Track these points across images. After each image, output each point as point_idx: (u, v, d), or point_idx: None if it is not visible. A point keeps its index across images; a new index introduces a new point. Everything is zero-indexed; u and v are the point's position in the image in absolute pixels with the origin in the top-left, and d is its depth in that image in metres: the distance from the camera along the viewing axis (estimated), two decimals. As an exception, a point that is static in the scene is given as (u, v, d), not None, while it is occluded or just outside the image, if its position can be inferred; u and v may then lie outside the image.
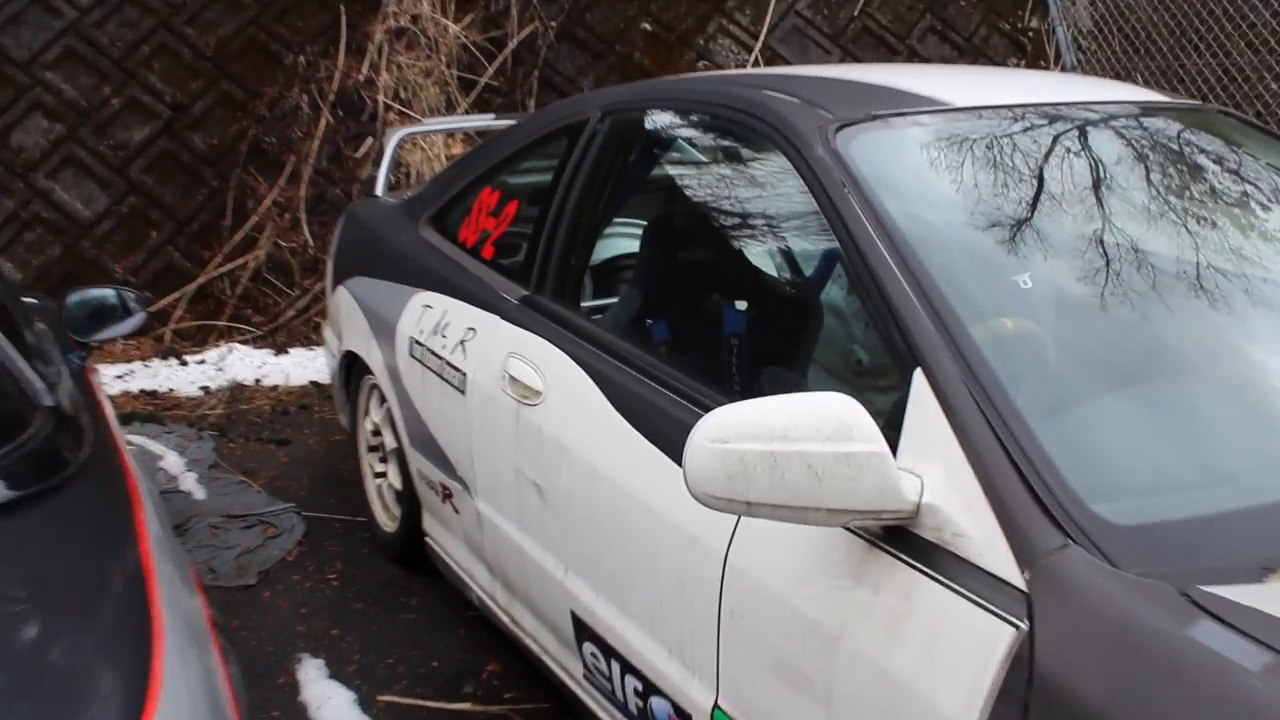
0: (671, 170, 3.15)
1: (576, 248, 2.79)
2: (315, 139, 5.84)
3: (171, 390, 5.24)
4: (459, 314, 2.98)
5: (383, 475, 3.77)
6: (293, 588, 3.60)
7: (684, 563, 2.10)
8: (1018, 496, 1.61)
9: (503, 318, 2.80)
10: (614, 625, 2.33)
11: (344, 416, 4.03)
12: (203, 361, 5.43)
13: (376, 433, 3.78)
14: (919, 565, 1.67)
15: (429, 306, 3.12)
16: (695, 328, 3.06)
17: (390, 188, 4.21)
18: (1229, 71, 5.65)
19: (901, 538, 1.71)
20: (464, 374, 2.87)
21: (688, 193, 3.14)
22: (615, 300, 3.12)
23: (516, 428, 2.63)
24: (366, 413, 3.82)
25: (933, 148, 2.28)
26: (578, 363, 2.49)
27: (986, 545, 1.61)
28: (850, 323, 3.30)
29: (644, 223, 4.08)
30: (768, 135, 2.31)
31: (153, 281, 5.67)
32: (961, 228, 2.17)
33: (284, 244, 5.76)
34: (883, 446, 1.65)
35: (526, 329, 2.70)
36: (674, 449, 2.18)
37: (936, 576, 1.64)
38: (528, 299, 2.80)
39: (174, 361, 5.44)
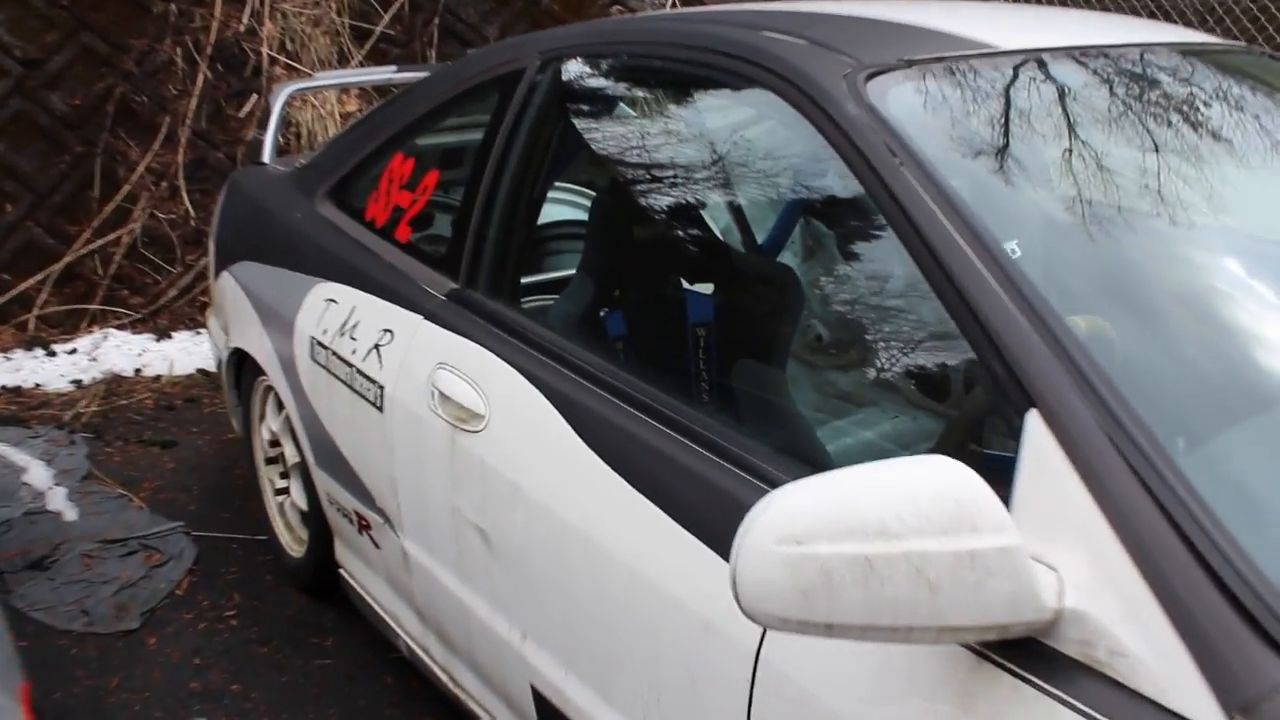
0: (629, 130, 2.58)
1: (516, 229, 2.21)
2: (192, 97, 5.10)
3: (38, 385, 4.52)
4: (371, 312, 2.39)
5: (284, 492, 3.17)
6: (184, 630, 2.99)
7: (694, 653, 1.57)
8: (1207, 600, 1.11)
9: (426, 318, 2.22)
10: (594, 714, 1.80)
11: (236, 420, 3.41)
12: (74, 351, 4.71)
13: (275, 443, 3.17)
14: (1057, 692, 1.17)
15: (333, 301, 2.52)
16: (655, 317, 2.52)
17: (280, 151, 3.57)
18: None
19: (1029, 650, 1.20)
20: (380, 387, 2.29)
21: (650, 157, 2.58)
22: (566, 287, 2.56)
23: (452, 458, 2.07)
24: (263, 418, 3.21)
25: (988, 103, 1.75)
26: (529, 378, 1.93)
27: (1163, 670, 1.11)
28: (841, 306, 2.80)
29: (594, 194, 3.54)
30: (771, 86, 1.76)
31: (11, 262, 4.91)
32: (1058, 216, 1.66)
33: (161, 215, 5.03)
34: (1016, 537, 1.13)
35: (458, 333, 2.13)
36: (667, 497, 1.65)
37: (1087, 711, 1.14)
38: (457, 294, 2.22)
39: (40, 352, 4.71)
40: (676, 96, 2.39)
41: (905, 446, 3.18)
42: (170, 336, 4.80)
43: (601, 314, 2.42)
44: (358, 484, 2.49)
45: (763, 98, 1.83)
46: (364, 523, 2.54)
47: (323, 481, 2.71)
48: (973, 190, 1.55)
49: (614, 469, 1.73)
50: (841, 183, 1.95)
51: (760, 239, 3.24)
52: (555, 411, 1.86)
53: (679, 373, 2.48)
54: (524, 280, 2.26)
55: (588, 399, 1.83)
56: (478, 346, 2.07)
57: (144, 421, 4.24)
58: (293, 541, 3.15)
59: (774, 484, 1.51)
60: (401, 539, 2.35)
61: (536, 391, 1.91)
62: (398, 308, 2.31)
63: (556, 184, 3.54)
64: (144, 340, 4.77)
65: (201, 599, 3.11)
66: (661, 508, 1.65)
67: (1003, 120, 1.75)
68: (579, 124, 2.40)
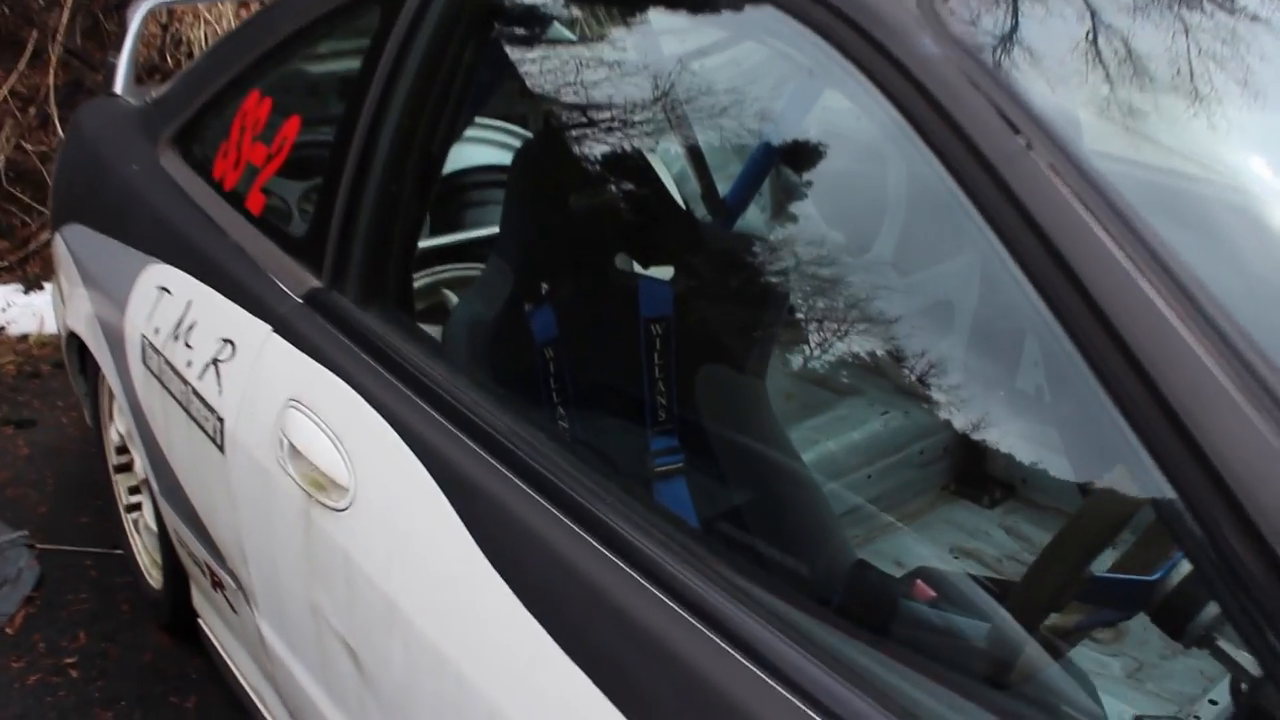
0: (564, 62, 1.87)
1: (403, 204, 1.51)
2: (64, 8, 4.25)
3: (-118, 345, 3.76)
4: (208, 312, 1.69)
5: (137, 509, 2.48)
6: (8, 685, 2.31)
7: None
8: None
9: (276, 329, 1.53)
10: None
11: (87, 409, 2.70)
12: (-74, 303, 3.93)
13: (124, 449, 2.47)
14: None
15: (165, 290, 1.81)
16: (597, 312, 1.85)
17: (150, 76, 2.81)
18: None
19: None
20: (220, 419, 1.60)
21: (592, 99, 1.88)
22: (477, 276, 1.85)
23: (307, 538, 1.39)
24: (111, 417, 2.50)
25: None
26: (409, 438, 1.26)
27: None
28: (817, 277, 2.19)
29: (515, 150, 2.83)
30: (782, 3, 1.07)
31: None
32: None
33: (30, 147, 4.21)
34: None
35: (316, 356, 1.44)
36: (607, 673, 1.01)
37: None
38: (319, 297, 1.52)
39: (-113, 305, 3.92)
40: (632, 14, 1.69)
41: (897, 449, 2.57)
42: (41, 288, 4.02)
43: (526, 309, 1.74)
44: (204, 533, 1.81)
45: (760, 18, 1.14)
46: (216, 580, 1.87)
47: (169, 517, 2.03)
48: (1136, 185, 0.89)
49: (529, 608, 1.07)
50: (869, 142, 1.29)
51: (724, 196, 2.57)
52: (444, 499, 1.19)
53: (628, 399, 1.82)
54: (412, 292, 1.56)
55: (490, 482, 1.16)
56: (339, 381, 1.38)
57: (1, 393, 3.50)
58: (150, 565, 2.47)
59: (798, 686, 0.88)
60: (257, 617, 1.68)
61: (418, 463, 1.23)
62: (240, 310, 1.61)
63: (476, 121, 2.83)
64: (9, 292, 3.99)
65: (37, 640, 2.42)
66: (600, 685, 1.00)
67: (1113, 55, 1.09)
68: (494, 54, 1.70)
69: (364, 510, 1.29)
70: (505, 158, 2.77)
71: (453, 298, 2.37)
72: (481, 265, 2.46)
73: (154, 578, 2.43)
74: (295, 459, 1.41)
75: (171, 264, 1.81)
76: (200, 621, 2.14)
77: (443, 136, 1.53)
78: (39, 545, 2.71)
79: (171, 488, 1.91)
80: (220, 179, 1.85)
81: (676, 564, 1.02)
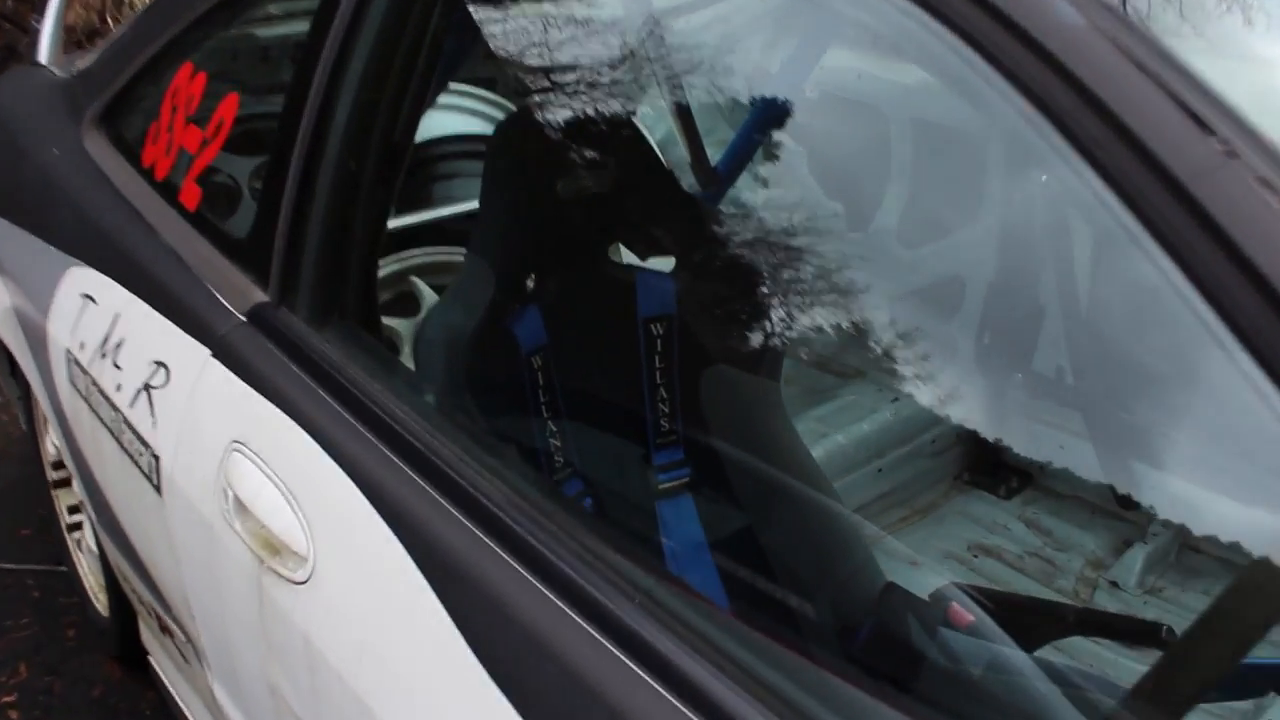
0: (538, 22, 1.61)
1: (364, 200, 1.24)
2: (-8, -34, 3.90)
3: None
4: (139, 327, 1.42)
5: (79, 529, 2.21)
6: (-60, 730, 2.06)
7: None
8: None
9: (216, 354, 1.26)
10: None
11: (21, 415, 2.42)
12: None
13: (61, 464, 2.21)
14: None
15: (90, 299, 1.54)
16: (588, 315, 1.60)
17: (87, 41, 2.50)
18: None
19: None
20: (155, 456, 1.34)
21: (582, 61, 1.62)
22: (447, 289, 1.58)
23: (260, 611, 1.14)
24: (48, 428, 2.23)
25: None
26: (382, 508, 1.01)
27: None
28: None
29: (486, 117, 2.57)
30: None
31: None
32: None
33: (-39, 118, 3.87)
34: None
35: (263, 390, 1.18)
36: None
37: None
38: (264, 314, 1.26)
39: None
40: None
41: (909, 438, 2.34)
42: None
43: (509, 316, 1.49)
44: (147, 577, 1.56)
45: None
46: (164, 626, 1.62)
47: (109, 550, 1.77)
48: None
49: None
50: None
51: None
52: (426, 584, 0.94)
53: (626, 409, 1.58)
54: (375, 307, 1.29)
55: (483, 565, 0.92)
56: (291, 422, 1.12)
57: (-64, 388, 3.19)
58: (97, 589, 2.21)
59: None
60: (210, 678, 1.44)
61: (392, 535, 0.98)
62: (174, 328, 1.34)
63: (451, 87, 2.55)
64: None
65: (-25, 672, 2.17)
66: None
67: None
68: (466, 13, 1.43)
69: (327, 586, 1.04)
70: (477, 126, 2.50)
71: (422, 286, 2.11)
72: (454, 249, 2.20)
73: (101, 603, 2.17)
74: (243, 515, 1.16)
75: (96, 268, 1.54)
76: (151, 659, 1.89)
77: (409, 114, 1.26)
78: (-24, 563, 2.44)
79: (109, 522, 1.65)
80: (150, 167, 1.57)
81: (707, 670, 0.79)
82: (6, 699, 2.10)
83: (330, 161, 1.21)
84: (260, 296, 1.27)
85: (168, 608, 1.51)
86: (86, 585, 2.22)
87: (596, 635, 0.83)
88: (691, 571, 1.64)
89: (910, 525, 2.25)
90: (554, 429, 1.52)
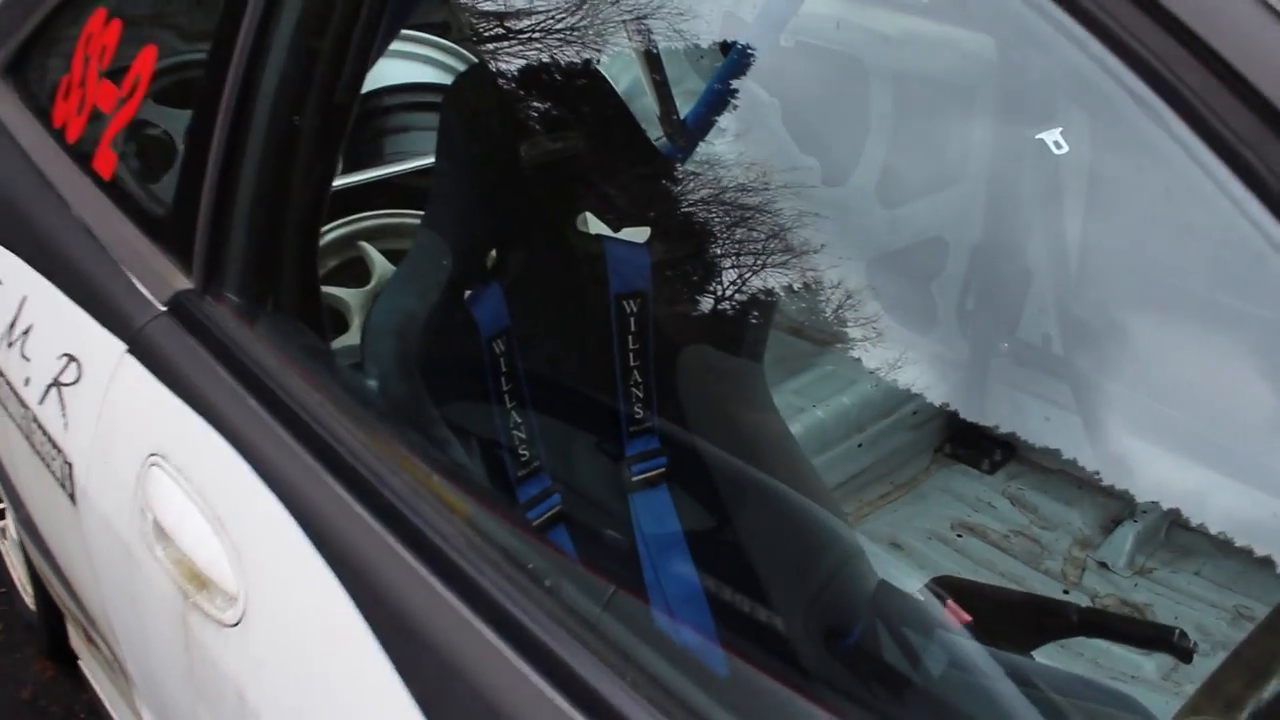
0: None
1: (302, 168, 1.07)
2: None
3: None
4: (49, 314, 1.24)
5: (3, 516, 2.04)
6: None
7: None
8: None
9: (132, 349, 1.09)
10: None
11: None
12: None
13: (-21, 446, 2.02)
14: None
15: (-7, 278, 1.35)
16: (555, 292, 1.44)
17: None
18: None
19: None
20: (68, 463, 1.17)
21: (541, 11, 1.45)
22: (397, 269, 1.40)
23: (188, 655, 0.99)
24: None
25: None
26: (323, 547, 0.85)
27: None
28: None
29: (441, 65, 2.38)
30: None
31: None
32: None
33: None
34: None
35: (185, 395, 1.01)
36: None
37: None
38: (187, 303, 1.08)
39: None
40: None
41: (889, 410, 2.22)
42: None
43: (466, 295, 1.32)
44: (69, 588, 1.40)
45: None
46: (90, 637, 1.46)
47: (31, 549, 1.60)
48: None
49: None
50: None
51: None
52: (374, 640, 0.79)
53: (596, 394, 1.43)
54: (318, 299, 1.13)
55: (439, 622, 0.77)
56: (216, 435, 0.96)
57: None
58: (26, 579, 2.03)
59: None
60: (136, 701, 1.28)
61: (335, 580, 0.83)
62: (87, 317, 1.17)
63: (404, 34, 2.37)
64: None
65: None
66: None
67: None
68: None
69: (260, 632, 0.89)
70: (431, 75, 2.31)
71: (373, 252, 1.93)
72: (408, 211, 2.02)
73: (28, 598, 2.00)
74: (164, 541, 1.00)
75: (1, 244, 1.35)
76: (80, 664, 1.73)
77: (354, 65, 1.09)
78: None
79: (27, 522, 1.48)
80: (62, 127, 1.38)
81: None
82: (-72, 697, 1.93)
83: (260, 123, 1.04)
84: (183, 283, 1.10)
85: (92, 622, 1.36)
86: (14, 577, 2.05)
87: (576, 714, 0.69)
88: (667, 569, 1.51)
89: (891, 503, 2.13)
90: (518, 420, 1.37)
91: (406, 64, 2.35)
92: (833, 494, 1.48)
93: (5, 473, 1.49)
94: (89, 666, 1.66)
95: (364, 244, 1.95)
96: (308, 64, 1.02)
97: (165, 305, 1.09)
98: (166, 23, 1.35)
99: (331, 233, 1.92)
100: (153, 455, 1.02)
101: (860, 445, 2.11)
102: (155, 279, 1.12)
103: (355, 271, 1.95)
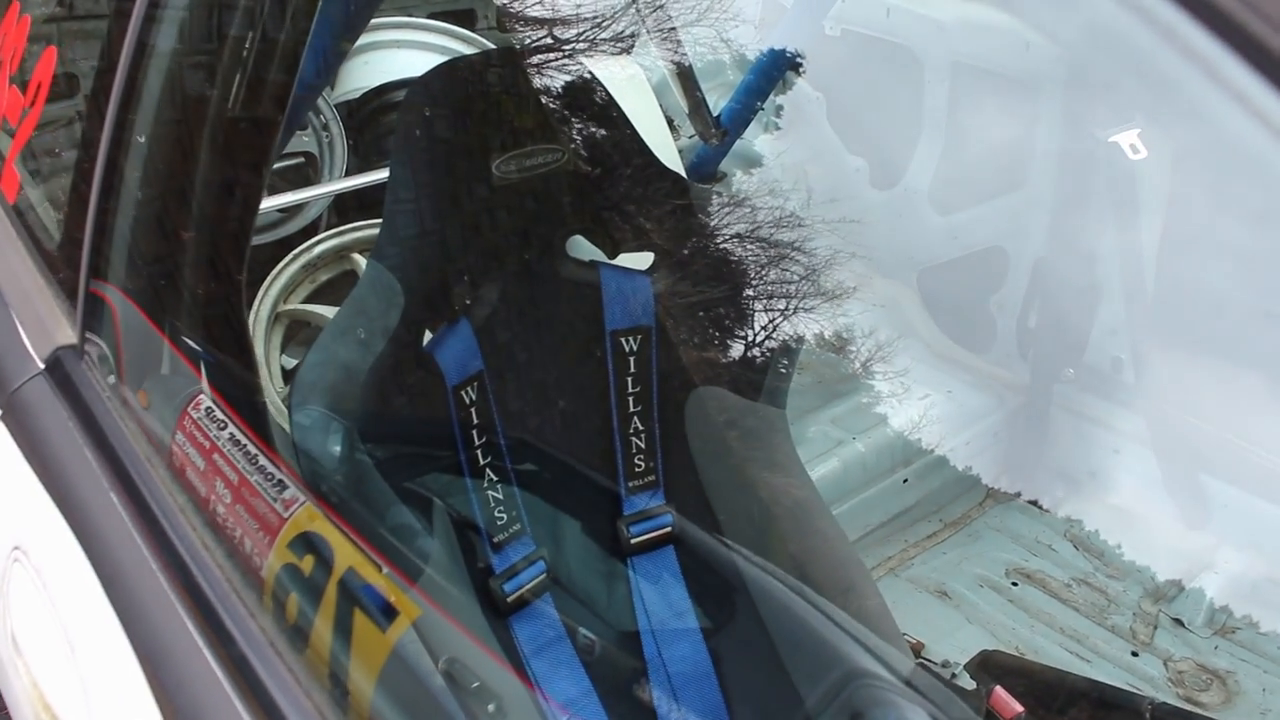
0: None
1: (202, 195, 0.86)
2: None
3: None
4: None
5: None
6: None
7: None
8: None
9: (6, 416, 0.89)
10: None
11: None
12: None
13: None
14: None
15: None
16: (538, 330, 1.21)
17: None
18: None
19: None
20: (-48, 535, 0.98)
21: None
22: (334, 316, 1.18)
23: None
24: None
25: None
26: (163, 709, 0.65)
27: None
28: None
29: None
30: None
31: None
32: None
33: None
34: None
35: (49, 484, 0.81)
36: None
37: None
38: (65, 362, 0.88)
39: None
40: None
41: (938, 441, 1.97)
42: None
43: (426, 337, 1.10)
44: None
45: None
46: None
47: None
48: None
49: None
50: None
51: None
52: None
53: (589, 446, 1.21)
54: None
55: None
56: (74, 537, 0.76)
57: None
58: None
59: None
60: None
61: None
62: (-30, 368, 0.97)
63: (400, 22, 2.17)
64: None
65: None
66: None
67: None
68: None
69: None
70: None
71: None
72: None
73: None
74: (21, 656, 0.80)
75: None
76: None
77: (283, 59, 0.87)
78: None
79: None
80: (-22, 139, 1.19)
81: None
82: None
83: (140, 139, 0.83)
84: (67, 334, 0.90)
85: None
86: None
87: None
88: (670, 645, 1.29)
89: (940, 543, 1.88)
90: (493, 477, 1.16)
91: (422, 55, 2.14)
92: (865, 578, 1.24)
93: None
94: None
95: (357, 257, 1.75)
96: (198, 67, 0.81)
97: (44, 362, 0.89)
98: (73, 20, 1.15)
99: (322, 244, 1.72)
100: (15, 548, 0.83)
101: (906, 480, 1.86)
102: (39, 329, 0.92)
103: (348, 289, 1.75)
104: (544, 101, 1.21)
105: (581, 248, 1.27)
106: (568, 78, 1.23)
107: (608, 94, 1.26)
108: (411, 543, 0.99)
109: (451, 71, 1.21)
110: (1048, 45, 1.84)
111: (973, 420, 1.93)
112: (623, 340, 1.23)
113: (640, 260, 1.25)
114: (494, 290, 1.15)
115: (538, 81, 1.24)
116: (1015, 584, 1.80)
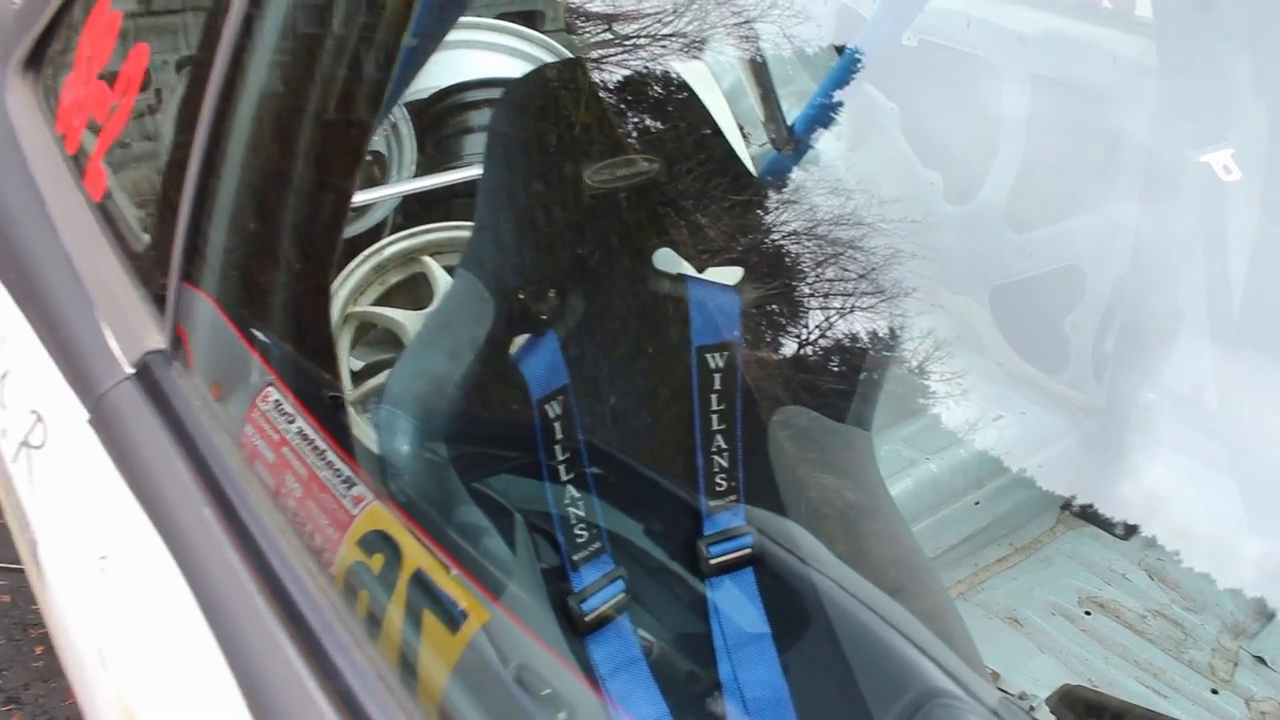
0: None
1: (298, 207, 0.83)
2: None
3: None
4: (24, 360, 1.03)
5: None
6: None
7: None
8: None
9: (94, 420, 0.87)
10: None
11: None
12: None
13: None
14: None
15: (-18, 307, 1.15)
16: (623, 344, 1.18)
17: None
18: None
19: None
20: (34, 539, 0.96)
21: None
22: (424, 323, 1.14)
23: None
24: None
25: None
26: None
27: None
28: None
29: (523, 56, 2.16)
30: None
31: None
32: None
33: None
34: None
35: (139, 492, 0.79)
36: None
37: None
38: (154, 369, 0.86)
39: None
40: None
41: (1008, 466, 1.91)
42: None
43: (514, 349, 1.07)
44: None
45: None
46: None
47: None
48: None
49: None
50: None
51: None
52: None
53: (672, 464, 1.17)
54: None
55: None
56: (165, 548, 0.74)
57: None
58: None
59: None
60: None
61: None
62: (56, 371, 0.95)
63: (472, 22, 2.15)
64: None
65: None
66: None
67: None
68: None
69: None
70: (517, 69, 2.07)
71: (438, 270, 1.70)
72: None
73: (66, 620, 1.83)
74: (109, 668, 0.78)
75: (-9, 266, 1.15)
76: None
77: (376, 68, 0.84)
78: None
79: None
80: (64, 135, 1.17)
81: None
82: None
83: (238, 144, 0.81)
84: (155, 339, 0.87)
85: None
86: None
87: None
88: (747, 668, 1.25)
89: (1010, 567, 1.83)
90: (575, 494, 1.12)
91: (490, 56, 2.11)
92: (944, 597, 1.19)
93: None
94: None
95: (428, 259, 1.72)
96: (298, 72, 0.78)
97: (133, 367, 0.87)
98: (165, 15, 1.13)
99: (392, 246, 1.69)
100: (103, 558, 0.80)
101: (978, 503, 1.81)
102: (128, 333, 0.90)
103: (417, 290, 1.73)
104: (633, 109, 1.17)
105: (669, 260, 1.23)
106: (655, 84, 1.19)
107: (697, 101, 1.22)
108: (480, 543, 0.96)
109: (541, 77, 1.18)
110: (1136, 60, 1.78)
111: (1046, 443, 1.87)
112: (709, 356, 1.19)
113: (728, 275, 1.21)
114: (581, 302, 1.11)
115: (625, 89, 1.20)
116: (1088, 613, 1.74)
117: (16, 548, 1.29)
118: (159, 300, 0.87)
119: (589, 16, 1.43)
